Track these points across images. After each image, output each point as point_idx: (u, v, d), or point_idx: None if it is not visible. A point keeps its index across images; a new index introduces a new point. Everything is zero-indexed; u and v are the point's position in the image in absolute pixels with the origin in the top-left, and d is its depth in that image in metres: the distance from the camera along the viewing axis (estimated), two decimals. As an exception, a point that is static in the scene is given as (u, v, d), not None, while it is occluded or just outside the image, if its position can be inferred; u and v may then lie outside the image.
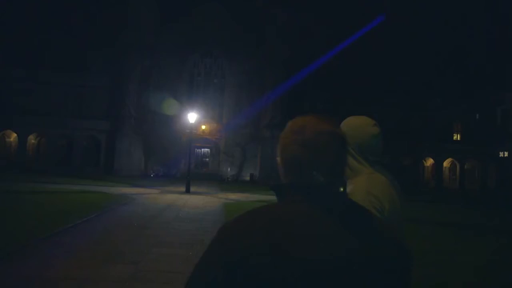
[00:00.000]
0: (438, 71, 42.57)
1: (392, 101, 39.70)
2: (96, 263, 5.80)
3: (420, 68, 41.69)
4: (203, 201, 16.46)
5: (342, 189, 1.00)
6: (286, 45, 36.98)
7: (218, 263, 0.91)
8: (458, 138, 43.86)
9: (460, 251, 8.39)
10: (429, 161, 42.66)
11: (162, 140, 36.81)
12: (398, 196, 1.62)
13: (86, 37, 37.46)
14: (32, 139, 37.83)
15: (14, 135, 36.99)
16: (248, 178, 36.68)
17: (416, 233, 9.01)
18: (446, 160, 41.81)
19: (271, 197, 2.46)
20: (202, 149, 39.09)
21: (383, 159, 1.75)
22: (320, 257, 0.88)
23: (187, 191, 20.36)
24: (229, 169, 37.68)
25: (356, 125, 1.69)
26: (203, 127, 37.38)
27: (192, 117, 22.60)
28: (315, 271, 0.87)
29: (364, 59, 40.01)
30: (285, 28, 37.16)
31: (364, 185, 1.56)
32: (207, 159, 39.35)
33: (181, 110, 33.51)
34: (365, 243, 0.93)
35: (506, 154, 38.94)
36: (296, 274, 0.85)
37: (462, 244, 9.47)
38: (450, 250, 8.42)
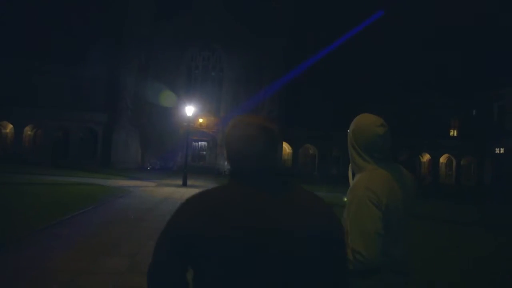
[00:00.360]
0: (436, 68, 42.60)
1: (390, 97, 39.74)
2: (93, 255, 5.81)
3: (418, 64, 41.70)
4: (200, 195, 16.46)
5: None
6: (284, 39, 36.89)
7: (167, 236, 1.16)
8: (455, 134, 44.01)
9: (458, 246, 8.45)
10: (426, 157, 42.83)
11: (159, 133, 36.74)
12: (402, 192, 1.69)
13: (83, 28, 37.24)
14: (28, 131, 37.66)
15: (10, 126, 36.80)
16: (244, 172, 36.71)
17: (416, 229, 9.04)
18: (443, 156, 41.99)
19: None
20: (199, 143, 39.05)
21: (388, 156, 1.81)
22: (248, 225, 1.08)
23: (184, 184, 20.37)
24: (226, 163, 37.67)
25: (364, 124, 1.82)
26: (201, 120, 37.32)
27: (189, 110, 22.55)
28: (244, 238, 1.07)
29: (363, 54, 39.99)
30: (284, 22, 37.04)
31: (365, 180, 1.69)
32: (204, 153, 39.33)
33: (178, 102, 33.41)
34: (291, 215, 1.12)
35: (502, 150, 39.11)
36: (228, 243, 1.06)
37: (460, 239, 9.55)
38: (447, 245, 8.48)
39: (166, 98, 34.77)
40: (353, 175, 1.83)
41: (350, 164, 1.86)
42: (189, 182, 20.85)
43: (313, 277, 1.09)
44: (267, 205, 1.12)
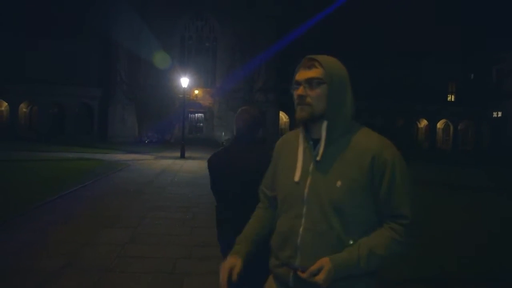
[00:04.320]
0: (433, 31, 41.92)
1: (386, 62, 39.35)
2: (94, 228, 5.88)
3: (415, 27, 41.00)
4: (198, 166, 16.54)
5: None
6: (278, 5, 36.07)
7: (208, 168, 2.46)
8: (453, 99, 43.88)
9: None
10: (423, 123, 42.89)
11: (155, 106, 36.49)
12: None
13: (74, 1, 36.21)
14: (23, 108, 37.38)
15: (5, 104, 36.49)
16: (242, 142, 36.78)
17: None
18: (440, 121, 42.05)
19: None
20: (196, 114, 38.87)
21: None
22: (232, 166, 2.26)
23: (182, 156, 20.44)
24: (223, 134, 37.67)
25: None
26: (196, 91, 37.01)
27: (184, 81, 22.33)
28: (228, 174, 2.28)
29: (358, 18, 39.23)
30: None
31: (383, 139, 1.59)
32: (201, 124, 39.21)
33: (173, 74, 32.97)
34: (253, 159, 2.19)
35: (499, 114, 39.17)
36: (220, 175, 2.35)
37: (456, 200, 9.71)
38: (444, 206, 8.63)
39: (160, 60, 34.16)
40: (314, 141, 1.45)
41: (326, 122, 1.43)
42: (187, 154, 20.90)
43: (253, 190, 1.80)
44: (236, 155, 2.30)
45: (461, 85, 42.76)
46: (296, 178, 1.40)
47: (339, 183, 1.33)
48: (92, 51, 36.79)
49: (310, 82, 1.39)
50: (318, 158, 1.38)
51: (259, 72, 36.71)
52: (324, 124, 1.39)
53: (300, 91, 1.40)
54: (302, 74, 1.41)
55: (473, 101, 39.77)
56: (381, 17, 39.84)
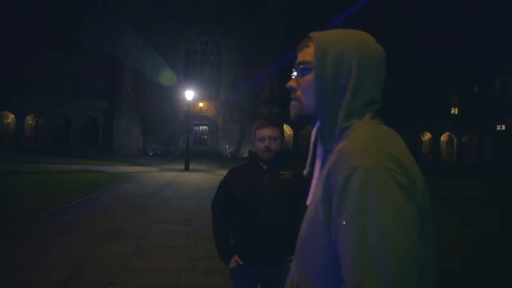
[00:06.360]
0: (437, 44, 42.15)
1: (390, 74, 39.41)
2: (98, 240, 5.91)
3: (419, 41, 41.26)
4: (202, 178, 16.58)
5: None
6: (283, 19, 36.46)
7: (222, 184, 2.47)
8: (456, 112, 43.84)
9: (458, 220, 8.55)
10: (427, 135, 42.80)
11: (160, 118, 36.73)
12: None
13: (80, 15, 36.79)
14: (29, 120, 37.70)
15: (12, 116, 36.83)
16: (246, 154, 36.80)
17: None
18: (444, 134, 41.95)
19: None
20: (200, 127, 39.04)
21: None
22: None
23: (186, 168, 20.47)
24: (227, 146, 37.76)
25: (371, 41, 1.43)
26: (201, 104, 37.23)
27: (189, 94, 22.51)
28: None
29: (362, 30, 39.40)
30: (282, 2, 36.57)
31: (371, 140, 1.28)
32: (205, 137, 39.35)
33: (178, 87, 33.27)
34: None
35: (503, 127, 39.05)
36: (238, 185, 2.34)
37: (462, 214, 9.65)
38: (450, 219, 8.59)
39: (166, 78, 34.55)
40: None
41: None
42: (191, 167, 20.95)
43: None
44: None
45: (465, 98, 42.75)
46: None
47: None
48: (98, 64, 37.20)
49: (298, 68, 1.01)
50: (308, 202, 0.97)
51: (264, 85, 36.93)
52: (314, 130, 0.99)
53: (291, 81, 1.03)
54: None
55: (477, 114, 39.70)
56: (384, 30, 40.13)
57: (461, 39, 41.42)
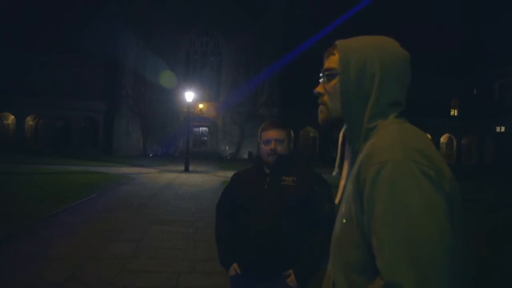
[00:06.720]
0: (436, 46, 42.21)
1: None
2: (98, 242, 5.92)
3: (417, 41, 41.28)
4: (202, 180, 16.59)
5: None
6: (282, 21, 36.51)
7: (226, 189, 2.42)
8: (456, 114, 43.89)
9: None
10: (427, 137, 42.82)
11: (160, 120, 36.77)
12: None
13: (80, 17, 36.87)
14: (30, 121, 37.73)
15: (12, 117, 36.86)
16: (246, 156, 36.83)
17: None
18: (443, 136, 41.97)
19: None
20: (200, 128, 39.08)
21: None
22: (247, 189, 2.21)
23: (186, 170, 20.49)
24: (227, 148, 37.79)
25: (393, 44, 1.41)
26: (201, 105, 37.26)
27: (189, 96, 22.54)
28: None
29: (362, 32, 39.38)
30: (281, 4, 36.62)
31: (397, 136, 1.28)
32: (205, 138, 39.38)
33: (178, 89, 33.31)
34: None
35: (503, 128, 39.06)
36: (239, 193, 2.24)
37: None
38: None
39: (166, 79, 34.60)
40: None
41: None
42: (191, 168, 20.96)
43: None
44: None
45: (464, 99, 42.80)
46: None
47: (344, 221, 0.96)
48: (98, 65, 37.27)
49: (325, 74, 1.07)
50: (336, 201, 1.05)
51: (263, 86, 36.98)
52: (341, 132, 1.05)
53: (318, 87, 1.08)
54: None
55: (476, 116, 39.74)
56: (384, 32, 40.09)
57: (461, 40, 41.47)
